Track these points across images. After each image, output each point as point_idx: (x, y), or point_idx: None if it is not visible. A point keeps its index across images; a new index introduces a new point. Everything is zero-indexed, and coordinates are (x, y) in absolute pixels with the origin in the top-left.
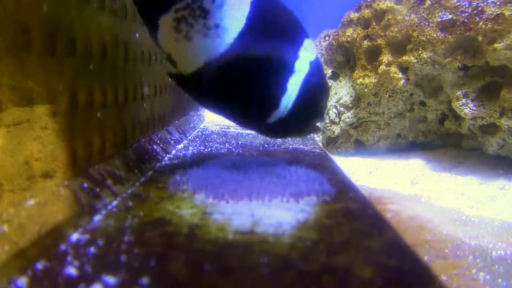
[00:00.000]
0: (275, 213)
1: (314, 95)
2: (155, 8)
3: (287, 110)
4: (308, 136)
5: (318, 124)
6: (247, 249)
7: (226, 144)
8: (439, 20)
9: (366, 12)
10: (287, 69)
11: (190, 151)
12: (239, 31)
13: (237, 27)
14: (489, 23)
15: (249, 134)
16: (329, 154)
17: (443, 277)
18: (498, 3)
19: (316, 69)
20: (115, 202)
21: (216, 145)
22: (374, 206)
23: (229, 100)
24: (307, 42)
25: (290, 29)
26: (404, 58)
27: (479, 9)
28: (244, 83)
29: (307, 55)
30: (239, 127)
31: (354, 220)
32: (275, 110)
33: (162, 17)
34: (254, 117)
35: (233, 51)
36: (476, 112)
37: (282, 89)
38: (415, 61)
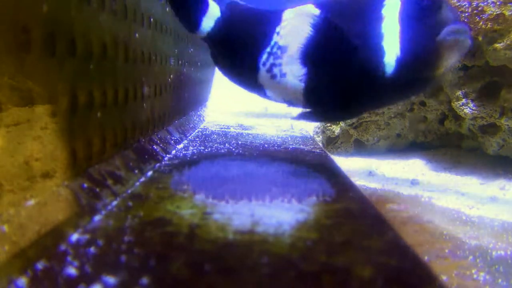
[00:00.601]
0: (275, 213)
1: (421, 19)
2: (249, 77)
3: (397, 46)
4: (308, 136)
5: (460, 37)
6: (247, 249)
7: (226, 144)
8: None
9: None
10: (374, 18)
11: (190, 151)
12: (307, 36)
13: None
14: (489, 23)
15: (249, 134)
16: (329, 154)
17: (443, 277)
18: (498, 3)
19: (411, 1)
20: (115, 202)
21: (216, 145)
22: (374, 206)
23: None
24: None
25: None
26: None
27: (479, 9)
28: (344, 60)
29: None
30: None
31: (354, 220)
32: (383, 57)
33: (259, 78)
34: (375, 79)
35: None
36: (476, 112)
37: (378, 36)
38: None
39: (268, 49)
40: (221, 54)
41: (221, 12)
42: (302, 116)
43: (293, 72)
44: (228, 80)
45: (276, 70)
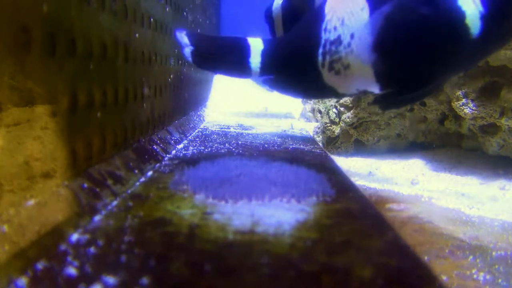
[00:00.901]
0: (275, 213)
1: None
2: (316, 85)
3: (478, 1)
4: (308, 136)
5: None
6: (247, 249)
7: (226, 144)
8: None
9: None
10: None
11: (190, 151)
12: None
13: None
14: None
15: (249, 134)
16: (329, 154)
17: (443, 277)
18: None
19: None
20: (115, 202)
21: (216, 145)
22: (374, 206)
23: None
24: None
25: None
26: None
27: None
28: (421, 40)
29: None
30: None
31: (354, 220)
32: (464, 19)
33: (325, 81)
34: (460, 44)
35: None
36: (476, 112)
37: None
38: None
39: (321, 50)
40: (279, 79)
41: (264, 42)
42: (382, 99)
43: (357, 59)
44: (302, 100)
45: (337, 66)
